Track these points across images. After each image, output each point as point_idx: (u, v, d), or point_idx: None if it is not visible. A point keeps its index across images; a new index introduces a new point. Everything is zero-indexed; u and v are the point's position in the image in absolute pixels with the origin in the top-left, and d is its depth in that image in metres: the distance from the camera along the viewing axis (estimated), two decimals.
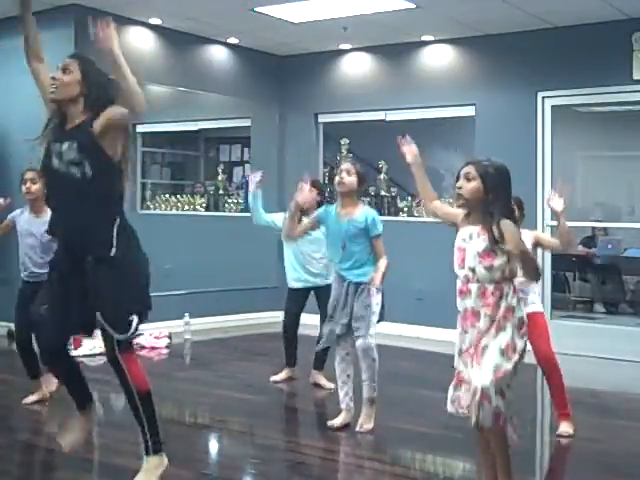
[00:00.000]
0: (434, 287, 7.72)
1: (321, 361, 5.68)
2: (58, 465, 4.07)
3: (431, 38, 8.12)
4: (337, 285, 4.66)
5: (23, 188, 5.01)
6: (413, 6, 6.93)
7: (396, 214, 8.73)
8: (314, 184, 5.68)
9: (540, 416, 5.43)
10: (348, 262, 4.57)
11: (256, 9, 7.20)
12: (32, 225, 5.01)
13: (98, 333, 3.53)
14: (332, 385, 5.31)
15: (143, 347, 7.06)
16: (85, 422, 3.66)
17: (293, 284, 5.92)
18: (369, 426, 4.57)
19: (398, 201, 8.86)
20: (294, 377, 5.92)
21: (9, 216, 5.28)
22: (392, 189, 8.88)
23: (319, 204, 5.49)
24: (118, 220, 3.47)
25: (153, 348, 7.13)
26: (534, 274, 3.34)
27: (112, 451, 4.28)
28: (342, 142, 9.22)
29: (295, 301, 5.90)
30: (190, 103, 9.79)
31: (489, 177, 3.30)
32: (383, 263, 4.54)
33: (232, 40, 8.52)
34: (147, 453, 3.54)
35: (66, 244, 3.51)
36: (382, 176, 9.00)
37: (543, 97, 7.60)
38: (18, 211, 5.22)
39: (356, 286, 4.56)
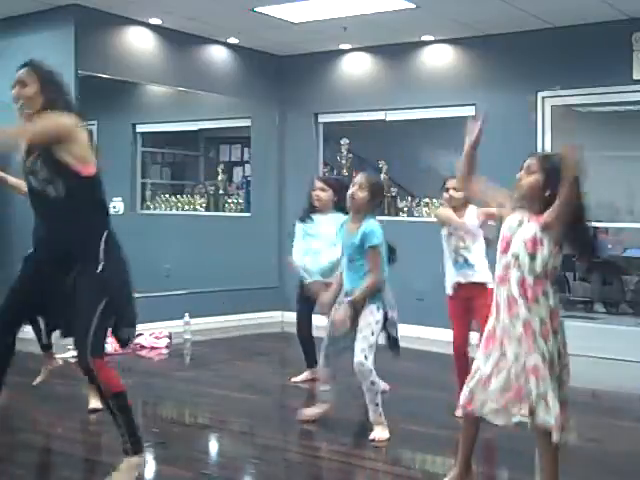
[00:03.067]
0: (434, 287, 7.67)
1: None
2: (58, 465, 4.07)
3: (431, 38, 8.12)
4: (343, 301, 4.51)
5: None
6: (413, 6, 6.93)
7: (396, 214, 8.73)
8: (329, 183, 5.60)
9: None
10: (352, 277, 4.46)
11: (256, 9, 7.20)
12: None
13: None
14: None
15: (143, 347, 7.07)
16: None
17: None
18: (382, 436, 4.40)
19: (398, 201, 8.86)
20: (316, 378, 5.61)
21: None
22: (392, 189, 8.88)
23: (336, 204, 5.36)
24: (106, 233, 3.45)
25: (153, 348, 7.12)
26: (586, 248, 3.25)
27: (112, 451, 4.28)
28: (342, 142, 9.22)
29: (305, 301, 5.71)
30: (190, 103, 9.79)
31: (552, 172, 3.15)
32: (368, 280, 4.35)
33: (232, 40, 8.52)
34: (126, 453, 3.51)
35: (54, 257, 3.48)
36: (382, 176, 8.99)
37: (543, 97, 7.59)
38: None
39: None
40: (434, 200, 8.34)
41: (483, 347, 3.31)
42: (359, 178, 4.49)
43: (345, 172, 9.26)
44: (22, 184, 5.13)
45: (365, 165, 9.63)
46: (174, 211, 10.20)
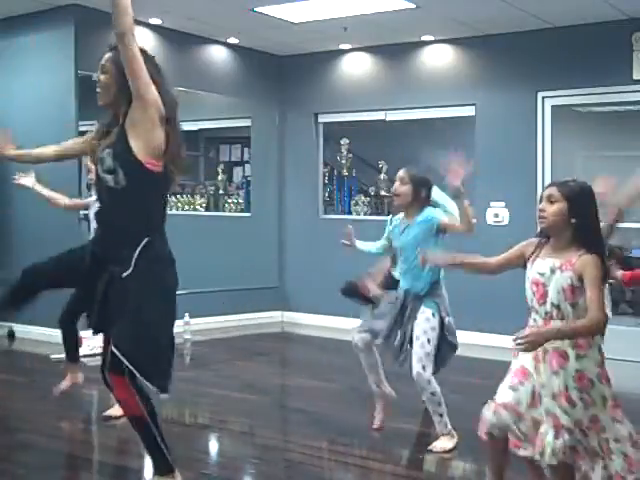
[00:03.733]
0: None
1: None
2: (58, 465, 4.07)
3: (431, 38, 8.12)
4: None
5: None
6: (413, 6, 6.93)
7: (396, 214, 8.71)
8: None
9: None
10: (412, 277, 4.32)
11: (256, 9, 7.19)
12: None
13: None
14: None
15: None
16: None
17: None
18: (444, 446, 4.25)
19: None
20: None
21: (86, 199, 5.31)
22: (392, 189, 8.87)
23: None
24: (146, 240, 3.30)
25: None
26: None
27: (112, 451, 4.29)
28: (342, 142, 9.22)
29: None
30: (190, 103, 9.76)
31: (574, 198, 3.06)
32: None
33: (232, 40, 8.52)
34: (154, 473, 3.41)
35: (92, 253, 3.39)
36: (382, 176, 9.00)
37: (543, 97, 7.59)
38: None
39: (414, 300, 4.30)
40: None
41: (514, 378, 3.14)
42: (400, 173, 4.40)
43: (345, 172, 9.27)
44: (57, 196, 5.11)
45: (364, 165, 9.65)
46: (174, 211, 10.19)
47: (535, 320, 3.11)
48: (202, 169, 11.37)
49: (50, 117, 7.23)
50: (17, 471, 3.92)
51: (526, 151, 7.51)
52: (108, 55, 3.39)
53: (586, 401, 3.03)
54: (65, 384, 4.95)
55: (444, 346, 4.29)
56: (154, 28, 7.91)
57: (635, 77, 7.07)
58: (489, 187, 7.50)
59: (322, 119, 9.08)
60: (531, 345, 2.92)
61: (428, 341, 4.19)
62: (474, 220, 4.27)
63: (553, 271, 3.05)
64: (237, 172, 10.70)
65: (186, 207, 10.18)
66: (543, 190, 3.19)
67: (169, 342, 3.38)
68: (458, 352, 4.38)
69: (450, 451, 4.23)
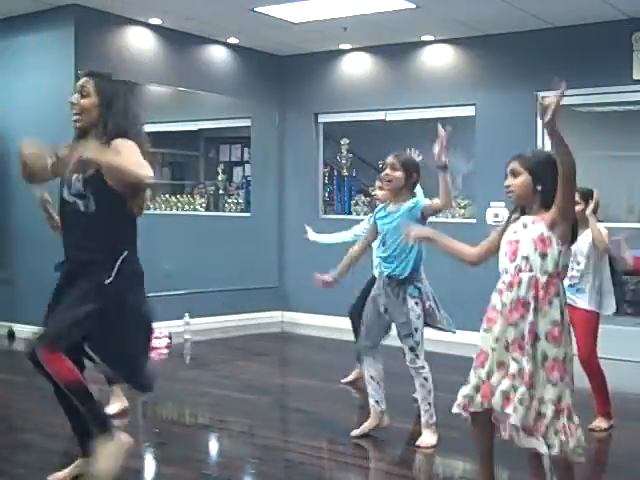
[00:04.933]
0: (434, 287, 7.70)
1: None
2: (58, 465, 4.06)
3: (431, 38, 8.12)
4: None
5: None
6: (413, 6, 6.93)
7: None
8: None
9: None
10: (396, 263, 4.34)
11: (256, 9, 7.20)
12: None
13: None
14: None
15: None
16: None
17: None
18: (431, 442, 4.31)
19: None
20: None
21: None
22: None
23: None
24: (125, 254, 3.35)
25: (153, 348, 7.10)
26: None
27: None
28: (342, 142, 9.23)
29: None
30: (190, 103, 9.79)
31: (535, 168, 3.24)
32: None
33: (232, 40, 8.52)
34: (101, 433, 3.37)
35: (66, 271, 3.43)
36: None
37: (543, 97, 7.57)
38: None
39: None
40: (434, 200, 8.33)
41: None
42: (389, 159, 4.40)
43: (345, 172, 9.27)
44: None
45: (364, 165, 9.65)
46: (174, 211, 10.20)
47: (504, 282, 3.22)
48: (202, 169, 11.39)
49: (50, 117, 7.22)
50: (17, 471, 3.92)
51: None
52: (88, 79, 3.45)
53: (529, 353, 3.10)
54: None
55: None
56: (154, 28, 7.91)
57: (635, 77, 7.07)
58: (489, 187, 7.48)
59: (322, 119, 9.08)
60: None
61: (416, 330, 4.29)
62: (453, 194, 4.35)
63: (525, 226, 3.21)
64: (237, 172, 10.71)
65: (186, 207, 10.20)
66: (506, 166, 3.31)
67: (145, 349, 3.53)
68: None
69: (435, 446, 4.27)
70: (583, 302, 4.74)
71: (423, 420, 4.34)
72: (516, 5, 6.79)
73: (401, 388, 4.77)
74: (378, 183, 5.17)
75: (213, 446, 4.62)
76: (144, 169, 3.22)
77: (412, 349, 4.30)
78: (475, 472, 3.52)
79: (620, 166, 9.50)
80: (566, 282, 4.06)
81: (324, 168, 9.22)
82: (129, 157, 3.23)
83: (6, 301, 7.36)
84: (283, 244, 9.15)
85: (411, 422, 4.79)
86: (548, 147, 7.58)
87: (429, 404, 4.33)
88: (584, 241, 4.74)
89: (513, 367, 3.11)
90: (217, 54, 8.65)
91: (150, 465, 4.22)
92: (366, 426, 4.49)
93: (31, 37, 7.42)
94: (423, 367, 4.32)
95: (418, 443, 4.30)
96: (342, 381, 5.77)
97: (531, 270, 3.15)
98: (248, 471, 4.15)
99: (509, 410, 3.07)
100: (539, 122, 7.60)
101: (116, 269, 3.31)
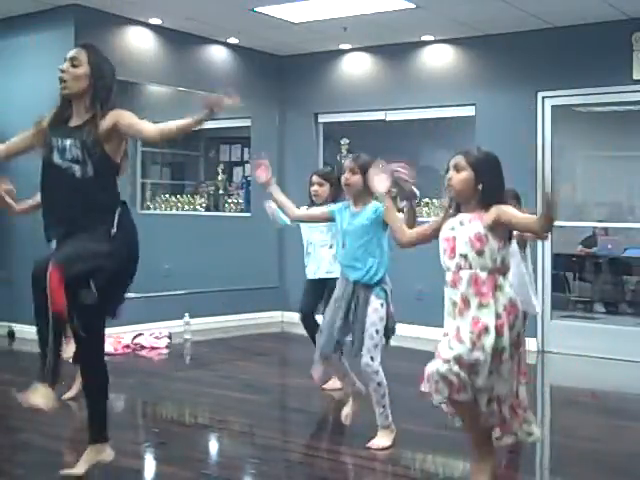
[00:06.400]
0: (434, 287, 7.65)
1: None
2: (58, 465, 4.06)
3: (431, 38, 8.12)
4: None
5: None
6: (413, 6, 6.93)
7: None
8: (326, 177, 5.48)
9: (540, 416, 5.42)
10: (359, 261, 4.29)
11: (256, 9, 7.20)
12: None
13: None
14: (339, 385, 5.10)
15: (143, 347, 7.06)
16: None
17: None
18: (383, 444, 4.29)
19: (398, 201, 8.84)
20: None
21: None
22: (392, 189, 8.87)
23: (334, 197, 5.20)
24: (119, 210, 3.52)
25: (153, 348, 7.12)
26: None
27: (112, 451, 4.27)
28: (342, 142, 9.23)
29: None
30: (190, 103, 9.77)
31: (479, 166, 3.25)
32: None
33: (232, 40, 8.52)
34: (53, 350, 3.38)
35: (61, 233, 3.46)
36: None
37: (543, 97, 7.60)
38: None
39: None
40: (434, 200, 8.35)
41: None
42: (348, 163, 4.42)
43: None
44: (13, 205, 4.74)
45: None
46: (174, 211, 10.20)
47: (447, 280, 3.30)
48: (202, 169, 11.38)
49: None
50: (17, 471, 3.92)
51: (526, 151, 7.52)
52: (80, 50, 3.55)
53: (474, 343, 3.14)
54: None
55: (385, 332, 4.35)
56: (154, 28, 7.91)
57: (635, 77, 7.07)
58: None
59: (322, 119, 9.08)
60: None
61: (376, 332, 4.25)
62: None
63: (462, 223, 3.26)
64: (237, 172, 10.70)
65: (186, 207, 10.19)
66: (449, 159, 3.33)
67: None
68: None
69: (388, 448, 4.25)
70: None
71: (379, 422, 4.32)
72: (516, 5, 6.78)
73: (402, 388, 4.76)
74: (315, 178, 5.55)
75: (213, 446, 4.62)
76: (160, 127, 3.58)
77: (369, 351, 4.22)
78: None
79: (620, 166, 9.51)
80: None
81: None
82: (144, 122, 3.54)
83: (6, 301, 7.35)
84: (283, 244, 9.14)
85: (412, 422, 4.79)
86: (548, 147, 7.62)
87: (384, 407, 4.31)
88: None
89: (446, 352, 3.21)
90: (217, 54, 8.65)
91: (150, 465, 4.22)
92: (351, 411, 4.55)
93: (31, 37, 7.41)
94: (377, 372, 4.25)
95: (369, 445, 4.26)
96: (323, 387, 5.57)
97: (470, 267, 3.20)
98: (248, 471, 4.15)
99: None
100: (539, 122, 7.61)
101: (116, 221, 3.45)
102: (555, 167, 7.58)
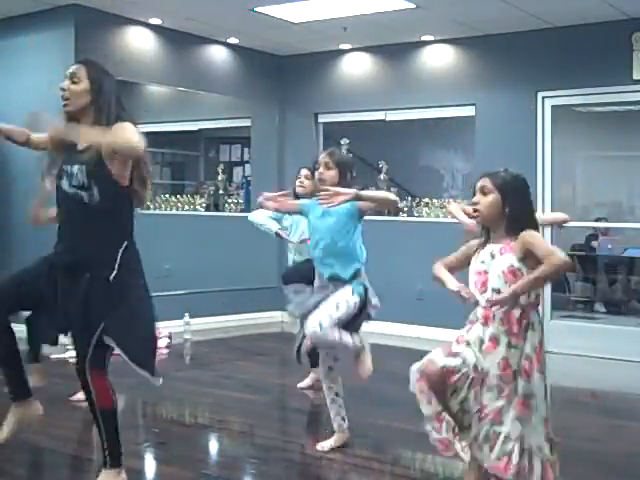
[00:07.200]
0: (434, 287, 7.69)
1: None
2: (58, 465, 4.07)
3: (431, 38, 8.12)
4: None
5: None
6: (413, 6, 6.93)
7: (396, 214, 8.72)
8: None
9: None
10: (334, 262, 4.12)
11: (256, 9, 7.20)
12: None
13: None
14: None
15: None
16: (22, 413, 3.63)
17: None
18: (328, 445, 4.27)
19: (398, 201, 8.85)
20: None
21: None
22: (392, 189, 8.89)
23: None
24: (125, 244, 3.40)
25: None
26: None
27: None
28: (342, 142, 9.22)
29: None
30: (190, 103, 9.79)
31: (507, 189, 3.09)
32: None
33: (232, 40, 8.52)
34: (104, 465, 3.46)
35: (66, 264, 3.41)
36: (382, 176, 9.00)
37: (543, 97, 7.60)
38: None
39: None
40: (434, 200, 8.35)
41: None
42: (322, 157, 4.23)
43: None
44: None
45: (364, 165, 9.64)
46: (174, 211, 10.20)
47: (475, 313, 3.13)
48: (202, 169, 11.39)
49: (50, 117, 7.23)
50: (17, 471, 3.92)
51: (526, 151, 7.51)
52: (80, 66, 3.51)
53: (501, 390, 3.05)
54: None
55: (362, 315, 4.16)
56: (154, 28, 7.91)
57: (635, 77, 7.07)
58: None
59: (322, 119, 9.08)
60: (510, 300, 2.95)
61: (337, 306, 4.00)
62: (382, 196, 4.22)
63: (493, 256, 3.08)
64: (237, 172, 10.71)
65: (186, 207, 10.20)
66: (476, 182, 3.19)
67: (154, 331, 3.61)
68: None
69: (340, 447, 4.23)
70: None
71: (335, 425, 4.28)
72: (516, 5, 6.78)
73: (402, 388, 4.76)
74: (304, 171, 5.59)
75: (213, 446, 4.62)
76: (134, 138, 3.22)
77: (320, 321, 3.96)
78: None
79: (620, 166, 9.51)
80: None
81: None
82: (121, 133, 3.25)
83: None
84: (283, 244, 9.13)
85: (412, 422, 4.79)
86: (548, 147, 7.62)
87: (342, 418, 4.28)
88: None
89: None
90: (217, 54, 8.65)
91: (150, 465, 4.22)
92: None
93: (31, 37, 7.42)
94: (326, 334, 3.97)
95: (318, 447, 4.24)
96: (299, 386, 5.62)
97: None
98: (248, 471, 4.15)
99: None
100: (539, 122, 7.61)
101: (118, 262, 3.35)
102: (555, 167, 7.58)
